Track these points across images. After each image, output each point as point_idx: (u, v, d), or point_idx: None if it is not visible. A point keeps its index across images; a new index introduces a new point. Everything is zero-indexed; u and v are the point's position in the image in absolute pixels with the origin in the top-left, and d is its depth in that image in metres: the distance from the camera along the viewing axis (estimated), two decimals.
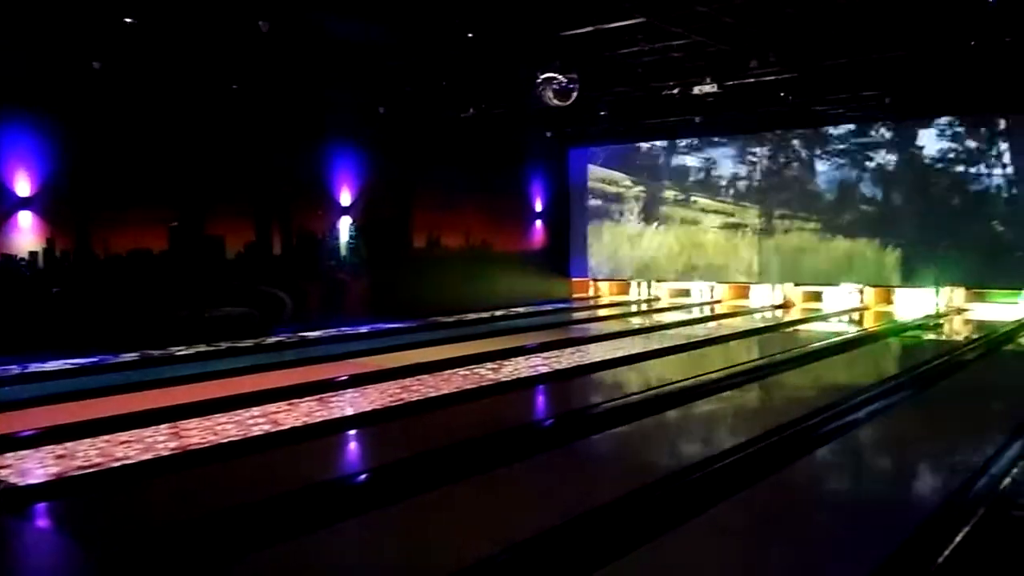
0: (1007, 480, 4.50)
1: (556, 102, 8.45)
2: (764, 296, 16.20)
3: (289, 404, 6.76)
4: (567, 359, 9.13)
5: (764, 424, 5.83)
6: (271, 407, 6.59)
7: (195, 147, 10.95)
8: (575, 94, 8.37)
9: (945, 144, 14.23)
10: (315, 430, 5.98)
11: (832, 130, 15.32)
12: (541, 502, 4.42)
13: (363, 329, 11.97)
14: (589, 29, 7.62)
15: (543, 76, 8.27)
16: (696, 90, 9.53)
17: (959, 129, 14.06)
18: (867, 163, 15.09)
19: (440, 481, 4.59)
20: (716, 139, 16.37)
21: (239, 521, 4.03)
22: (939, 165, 14.25)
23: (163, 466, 5.05)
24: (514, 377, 8.04)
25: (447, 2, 7.52)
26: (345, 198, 12.96)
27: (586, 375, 8.43)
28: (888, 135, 14.83)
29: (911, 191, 14.55)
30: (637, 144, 17.20)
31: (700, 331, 12.16)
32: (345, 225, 13.03)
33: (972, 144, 13.97)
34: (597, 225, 17.87)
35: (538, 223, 16.92)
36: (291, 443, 5.68)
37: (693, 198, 16.90)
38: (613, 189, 17.73)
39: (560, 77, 8.26)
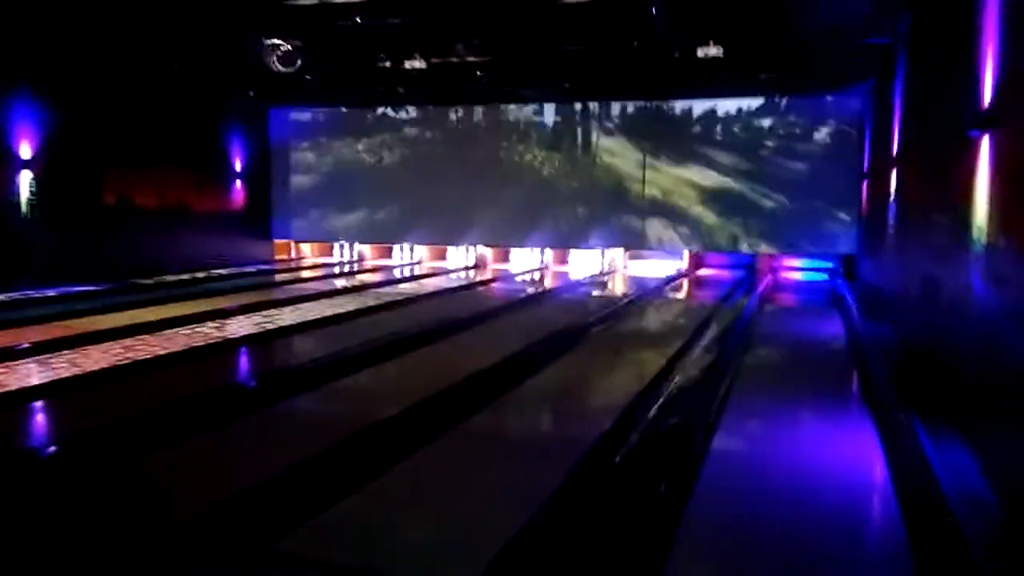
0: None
1: (281, 68, 8.70)
2: (460, 257, 17.60)
3: (4, 367, 6.54)
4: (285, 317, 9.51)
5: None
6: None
7: None
8: (300, 61, 8.70)
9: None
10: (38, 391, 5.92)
11: (512, 107, 16.88)
12: None
13: (51, 292, 11.21)
14: (315, 1, 8.02)
15: (268, 42, 8.49)
16: (407, 65, 10.29)
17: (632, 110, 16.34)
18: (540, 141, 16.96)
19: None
20: (411, 108, 17.25)
21: None
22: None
23: None
24: (237, 335, 8.32)
25: None
26: (25, 150, 11.90)
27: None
28: (558, 117, 16.75)
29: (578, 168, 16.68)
30: (341, 108, 17.54)
31: (400, 289, 13.02)
32: (26, 180, 11.98)
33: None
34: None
35: (238, 183, 16.69)
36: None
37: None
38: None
39: (285, 44, 8.54)
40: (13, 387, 5.91)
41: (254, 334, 8.41)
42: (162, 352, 7.24)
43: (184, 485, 4.18)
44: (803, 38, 10.08)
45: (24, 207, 11.96)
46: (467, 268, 16.83)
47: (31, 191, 12.02)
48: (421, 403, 5.58)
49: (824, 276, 15.24)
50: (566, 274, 15.97)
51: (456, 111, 17.12)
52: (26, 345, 7.30)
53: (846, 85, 13.73)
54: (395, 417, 5.27)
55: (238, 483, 4.06)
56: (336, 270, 16.47)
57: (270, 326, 8.86)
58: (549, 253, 17.28)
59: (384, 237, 17.92)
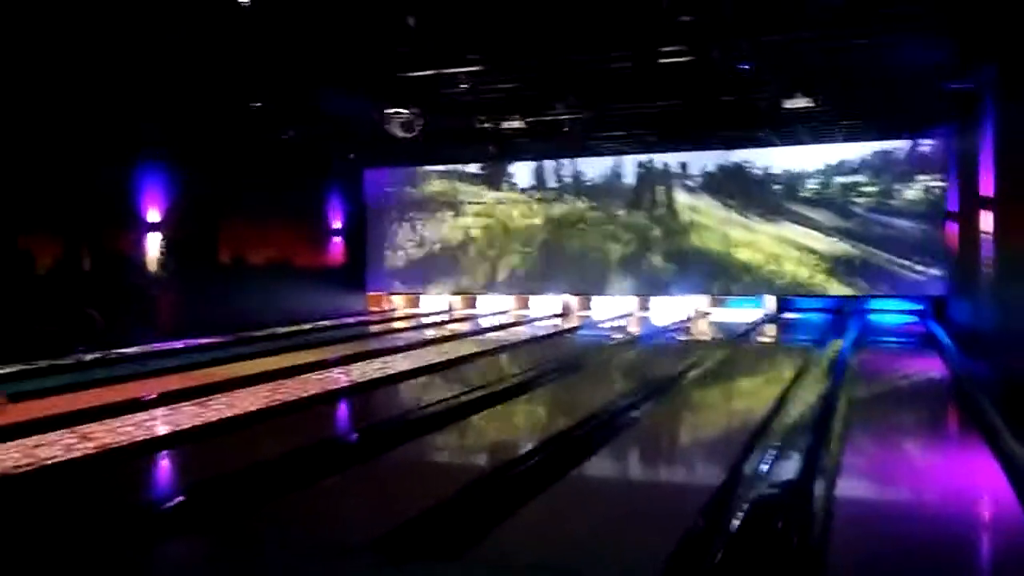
0: None
1: (402, 134, 9.50)
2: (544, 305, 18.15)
3: (170, 408, 7.26)
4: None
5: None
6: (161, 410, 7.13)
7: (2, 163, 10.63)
8: (419, 128, 9.48)
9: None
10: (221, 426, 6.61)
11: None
12: None
13: (178, 345, 12.09)
14: (429, 72, 8.80)
15: (390, 111, 9.29)
16: (505, 125, 11.00)
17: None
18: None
19: None
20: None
21: None
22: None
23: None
24: (367, 378, 8.97)
25: (293, 31, 8.18)
26: (153, 215, 12.97)
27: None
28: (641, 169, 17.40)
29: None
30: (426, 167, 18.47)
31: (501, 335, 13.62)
32: (154, 241, 13.02)
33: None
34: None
35: (337, 239, 17.65)
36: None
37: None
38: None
39: (405, 112, 9.33)
40: (186, 425, 6.59)
41: (379, 378, 9.03)
42: (304, 394, 7.90)
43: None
44: (888, 85, 10.42)
45: (152, 266, 12.98)
46: (555, 315, 17.33)
47: (159, 251, 13.05)
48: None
49: (913, 318, 15.24)
50: (649, 320, 16.32)
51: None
52: (176, 388, 8.03)
53: (928, 130, 13.96)
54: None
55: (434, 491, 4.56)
56: (429, 320, 17.15)
57: (390, 370, 9.49)
58: (633, 300, 17.67)
59: (472, 288, 18.61)
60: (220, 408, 7.27)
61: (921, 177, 15.09)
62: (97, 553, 3.83)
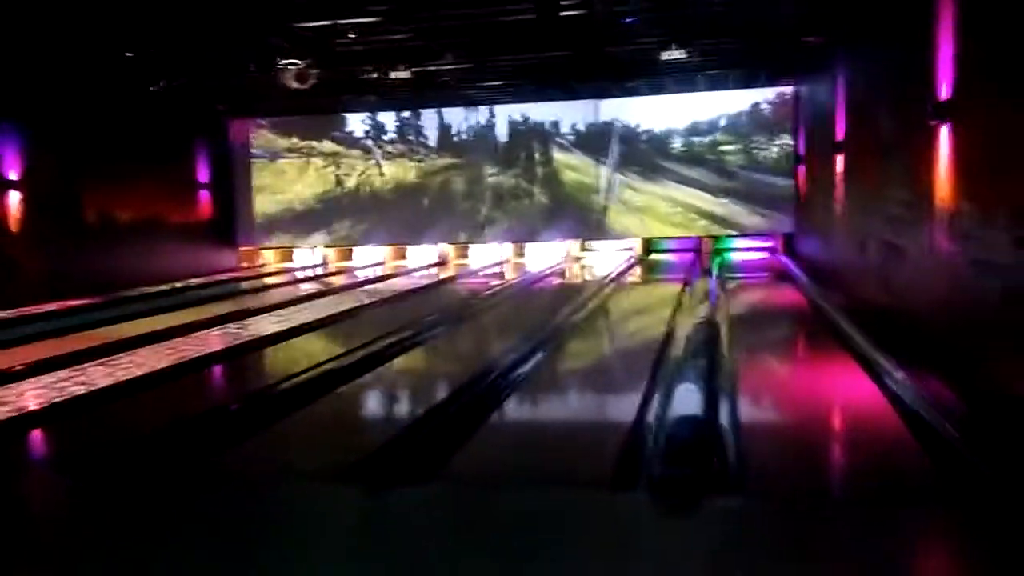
0: None
1: (296, 85, 9.35)
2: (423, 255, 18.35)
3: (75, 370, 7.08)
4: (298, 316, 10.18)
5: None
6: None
7: None
8: (312, 79, 9.36)
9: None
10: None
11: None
12: None
13: (51, 307, 11.50)
14: (325, 23, 8.75)
15: (284, 62, 9.13)
16: (392, 75, 11.04)
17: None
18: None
19: None
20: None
21: None
22: None
23: None
24: (266, 333, 8.97)
25: None
26: (11, 173, 12.15)
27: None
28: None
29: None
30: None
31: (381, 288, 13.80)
32: (14, 201, 12.21)
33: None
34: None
35: (204, 193, 17.06)
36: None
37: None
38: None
39: (299, 63, 9.20)
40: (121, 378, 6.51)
41: (279, 331, 9.04)
42: (209, 350, 7.87)
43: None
44: (751, 37, 11.24)
45: (14, 227, 12.19)
46: (431, 265, 17.59)
47: (20, 211, 12.26)
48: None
49: (764, 255, 16.62)
50: (526, 267, 16.91)
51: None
52: (71, 351, 7.76)
53: (779, 80, 15.10)
54: None
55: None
56: (307, 274, 16.98)
57: (290, 324, 9.51)
58: (508, 248, 18.18)
59: (346, 241, 18.55)
60: (129, 367, 7.16)
61: (774, 130, 16.27)
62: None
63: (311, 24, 8.71)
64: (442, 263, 17.92)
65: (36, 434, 5.47)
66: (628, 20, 9.02)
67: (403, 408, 6.34)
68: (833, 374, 6.32)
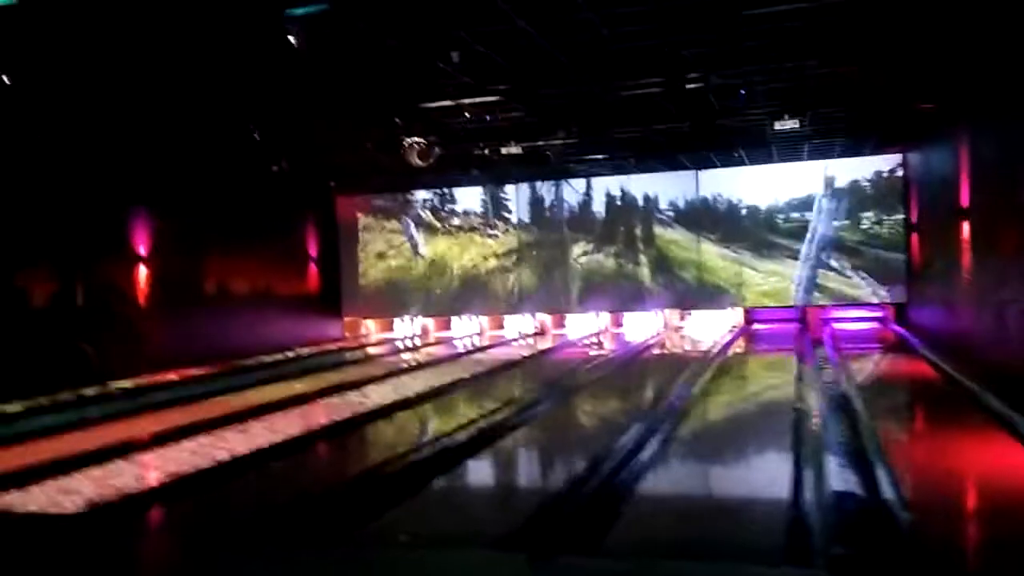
0: None
1: (418, 162, 9.74)
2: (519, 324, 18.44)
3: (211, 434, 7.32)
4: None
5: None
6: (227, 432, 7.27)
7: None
8: (434, 156, 9.73)
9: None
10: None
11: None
12: None
13: (172, 376, 11.97)
14: (448, 103, 9.11)
15: (409, 140, 9.53)
16: (503, 151, 11.33)
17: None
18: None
19: None
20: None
21: None
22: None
23: None
24: (388, 402, 9.12)
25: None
26: (142, 249, 12.88)
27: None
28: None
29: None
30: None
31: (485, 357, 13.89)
32: (142, 275, 12.90)
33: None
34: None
35: (312, 266, 17.68)
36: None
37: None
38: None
39: (422, 140, 9.58)
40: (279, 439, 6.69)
41: (399, 400, 9.19)
42: (338, 418, 8.05)
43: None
44: (861, 106, 11.13)
45: (142, 300, 12.85)
46: (529, 335, 17.64)
47: (148, 285, 12.93)
48: None
49: (874, 324, 16.09)
50: (623, 336, 16.76)
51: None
52: (217, 416, 8.05)
53: (886, 147, 14.82)
54: None
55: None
56: (409, 344, 17.25)
57: (407, 393, 9.67)
58: (605, 317, 18.10)
59: (443, 311, 18.81)
60: (264, 432, 7.36)
61: (884, 200, 15.81)
62: None
63: (435, 104, 9.08)
64: (541, 332, 17.97)
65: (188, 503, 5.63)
66: (743, 92, 9.07)
67: (557, 475, 6.29)
68: (986, 445, 6.03)
